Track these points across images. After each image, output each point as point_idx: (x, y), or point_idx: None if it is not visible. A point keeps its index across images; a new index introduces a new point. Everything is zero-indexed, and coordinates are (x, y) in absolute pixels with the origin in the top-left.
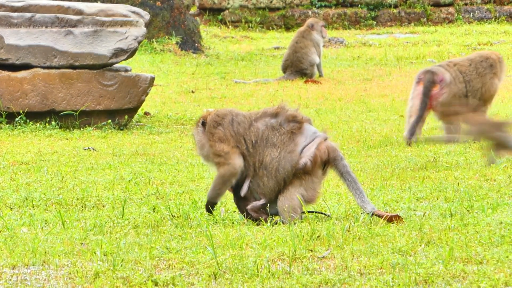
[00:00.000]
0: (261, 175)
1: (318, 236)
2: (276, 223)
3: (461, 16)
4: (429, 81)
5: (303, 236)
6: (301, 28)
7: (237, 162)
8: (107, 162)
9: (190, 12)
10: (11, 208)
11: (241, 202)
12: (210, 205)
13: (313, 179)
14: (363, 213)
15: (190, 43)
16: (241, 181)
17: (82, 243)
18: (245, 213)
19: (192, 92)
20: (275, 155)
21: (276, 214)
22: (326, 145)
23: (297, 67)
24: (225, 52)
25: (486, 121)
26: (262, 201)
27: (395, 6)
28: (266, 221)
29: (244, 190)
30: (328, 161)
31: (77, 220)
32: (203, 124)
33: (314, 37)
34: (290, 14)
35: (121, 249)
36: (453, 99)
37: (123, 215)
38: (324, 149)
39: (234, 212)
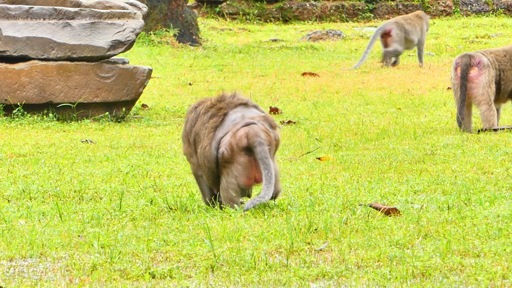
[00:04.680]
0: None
1: (316, 229)
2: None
3: (458, 9)
4: (466, 64)
5: (301, 229)
6: (418, 12)
7: (194, 160)
8: (105, 154)
9: (188, 4)
10: (8, 200)
11: None
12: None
13: (237, 166)
14: (361, 205)
15: (188, 35)
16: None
17: (79, 236)
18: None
19: (190, 84)
20: (200, 151)
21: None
22: (245, 131)
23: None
24: (222, 44)
25: None
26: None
27: None
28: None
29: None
30: (249, 146)
31: (75, 212)
32: None
33: (424, 24)
34: (287, 6)
35: (118, 242)
36: (491, 82)
37: (120, 208)
38: (241, 135)
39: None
